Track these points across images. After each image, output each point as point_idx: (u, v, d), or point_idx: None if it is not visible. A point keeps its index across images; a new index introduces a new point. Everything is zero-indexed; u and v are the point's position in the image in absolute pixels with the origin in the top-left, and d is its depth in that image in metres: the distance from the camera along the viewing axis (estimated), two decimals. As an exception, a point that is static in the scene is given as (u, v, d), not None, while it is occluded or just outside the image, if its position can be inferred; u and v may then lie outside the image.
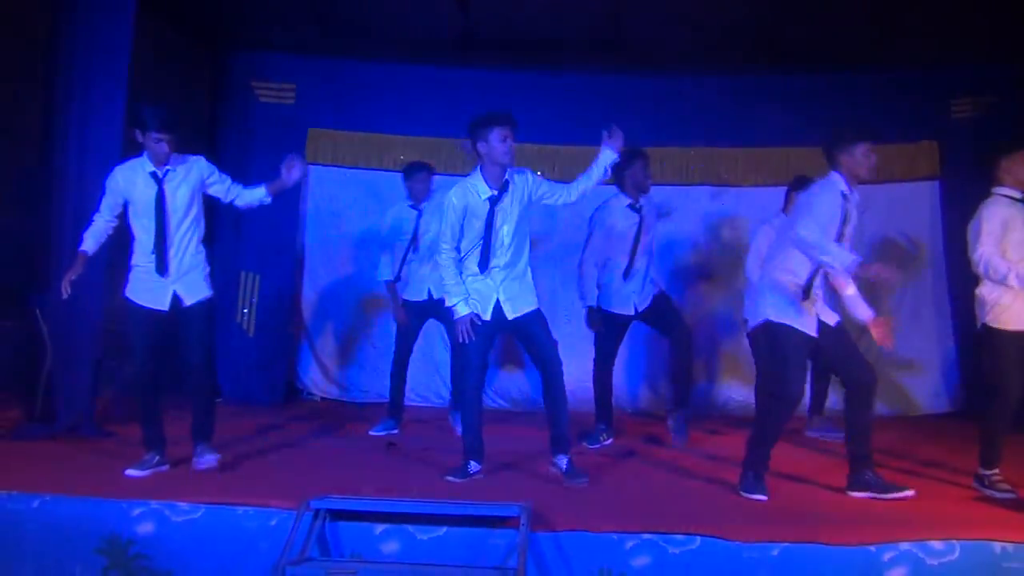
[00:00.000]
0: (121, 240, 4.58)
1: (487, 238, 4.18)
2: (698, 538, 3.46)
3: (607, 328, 5.38)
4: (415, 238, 5.52)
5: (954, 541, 3.41)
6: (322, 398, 6.92)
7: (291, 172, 4.38)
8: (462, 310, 4.19)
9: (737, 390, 6.72)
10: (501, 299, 4.23)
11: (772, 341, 4.10)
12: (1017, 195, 4.19)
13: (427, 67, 6.82)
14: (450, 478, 4.23)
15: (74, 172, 5.07)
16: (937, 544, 3.42)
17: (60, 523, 3.59)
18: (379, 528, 3.56)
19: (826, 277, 4.12)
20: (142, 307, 4.23)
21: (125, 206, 4.26)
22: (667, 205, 6.46)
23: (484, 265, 4.21)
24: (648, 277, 5.36)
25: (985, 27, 5.85)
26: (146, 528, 3.59)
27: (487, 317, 4.22)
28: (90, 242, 4.29)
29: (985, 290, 4.24)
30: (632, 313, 5.33)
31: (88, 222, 4.33)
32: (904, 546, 3.41)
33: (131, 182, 4.21)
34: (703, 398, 6.74)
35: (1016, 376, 4.11)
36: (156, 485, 3.95)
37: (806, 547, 3.43)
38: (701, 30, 6.14)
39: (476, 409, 4.33)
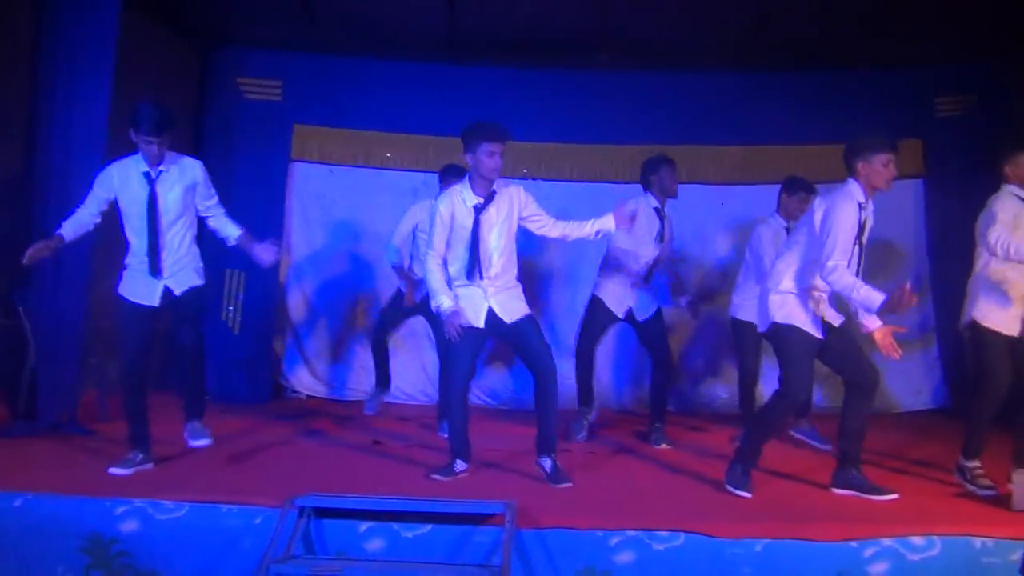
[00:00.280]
0: (106, 240, 4.57)
1: (473, 246, 4.19)
2: (682, 534, 3.48)
3: (596, 315, 5.36)
4: None
5: (935, 536, 3.45)
6: (308, 396, 6.90)
7: (265, 254, 4.33)
8: (447, 305, 4.18)
9: (722, 388, 6.74)
10: (493, 305, 4.24)
11: (778, 342, 4.12)
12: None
13: (414, 64, 6.81)
14: (436, 476, 4.23)
15: (58, 168, 5.04)
16: (918, 540, 3.46)
17: (42, 522, 3.57)
18: (364, 526, 3.56)
19: None
20: (133, 303, 4.22)
21: (112, 205, 4.23)
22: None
23: (470, 274, 4.22)
24: (653, 287, 5.35)
25: (969, 26, 5.88)
26: (129, 526, 3.58)
27: (480, 324, 4.22)
28: (68, 229, 4.21)
29: (981, 281, 4.23)
30: (622, 317, 5.34)
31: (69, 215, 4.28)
32: (886, 542, 3.45)
33: (125, 181, 4.18)
34: (689, 396, 6.77)
35: (1002, 369, 4.15)
36: (140, 483, 3.93)
37: (789, 543, 3.46)
38: (689, 28, 6.16)
39: (462, 410, 4.33)
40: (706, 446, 5.18)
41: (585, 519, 3.56)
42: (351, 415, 6.01)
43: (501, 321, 4.24)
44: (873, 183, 3.99)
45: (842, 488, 4.09)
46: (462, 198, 4.22)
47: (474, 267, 4.22)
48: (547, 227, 4.34)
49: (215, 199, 4.38)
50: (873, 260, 5.95)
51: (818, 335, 4.03)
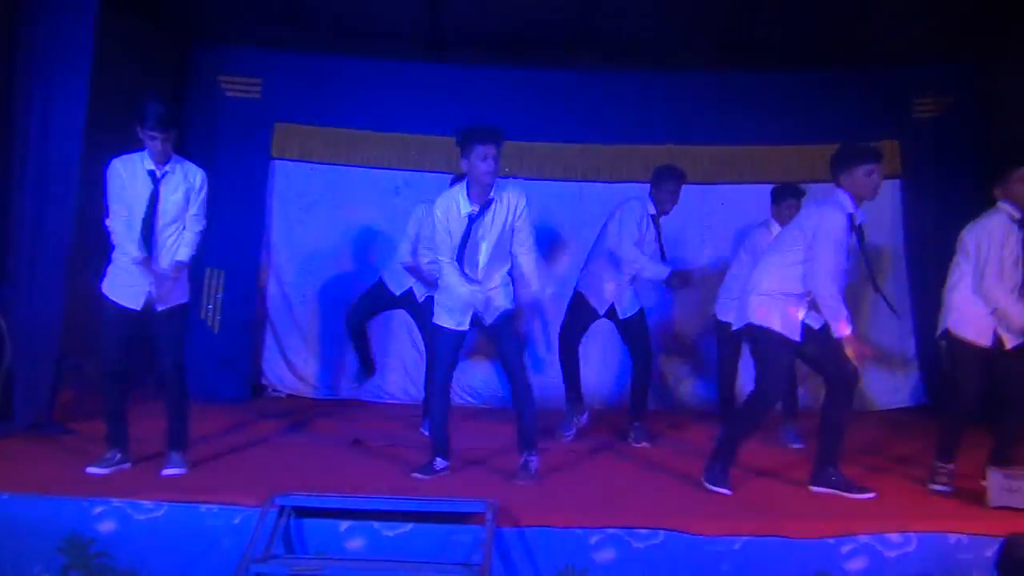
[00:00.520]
0: (86, 241, 4.52)
1: (461, 253, 4.18)
2: (662, 532, 3.51)
3: (578, 310, 5.39)
4: None
5: (911, 533, 3.51)
6: (288, 395, 6.87)
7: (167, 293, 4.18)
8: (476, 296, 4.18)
9: (702, 385, 6.78)
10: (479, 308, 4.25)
11: (754, 343, 4.14)
12: (1017, 215, 4.12)
13: (396, 62, 6.77)
14: (417, 475, 4.23)
15: (34, 164, 4.98)
16: (894, 536, 3.51)
17: (19, 522, 3.55)
18: (344, 525, 3.56)
19: None
20: (115, 304, 4.17)
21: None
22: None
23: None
24: (635, 287, 5.37)
25: (946, 27, 5.94)
26: (107, 526, 3.56)
27: (465, 327, 4.26)
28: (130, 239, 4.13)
29: (958, 297, 4.22)
30: (603, 313, 5.36)
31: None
32: (863, 538, 3.50)
33: (131, 175, 4.12)
34: (669, 393, 6.79)
35: (976, 379, 4.19)
36: (118, 483, 3.90)
37: (768, 540, 3.50)
38: (670, 28, 6.18)
39: (443, 406, 4.34)
40: (685, 444, 5.21)
41: (565, 517, 3.58)
42: (330, 414, 5.99)
43: (483, 321, 4.28)
44: (858, 192, 3.99)
45: (821, 486, 4.12)
46: (457, 204, 4.17)
47: (462, 271, 4.21)
48: (520, 252, 4.24)
49: (202, 214, 4.26)
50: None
51: (796, 338, 4.03)
